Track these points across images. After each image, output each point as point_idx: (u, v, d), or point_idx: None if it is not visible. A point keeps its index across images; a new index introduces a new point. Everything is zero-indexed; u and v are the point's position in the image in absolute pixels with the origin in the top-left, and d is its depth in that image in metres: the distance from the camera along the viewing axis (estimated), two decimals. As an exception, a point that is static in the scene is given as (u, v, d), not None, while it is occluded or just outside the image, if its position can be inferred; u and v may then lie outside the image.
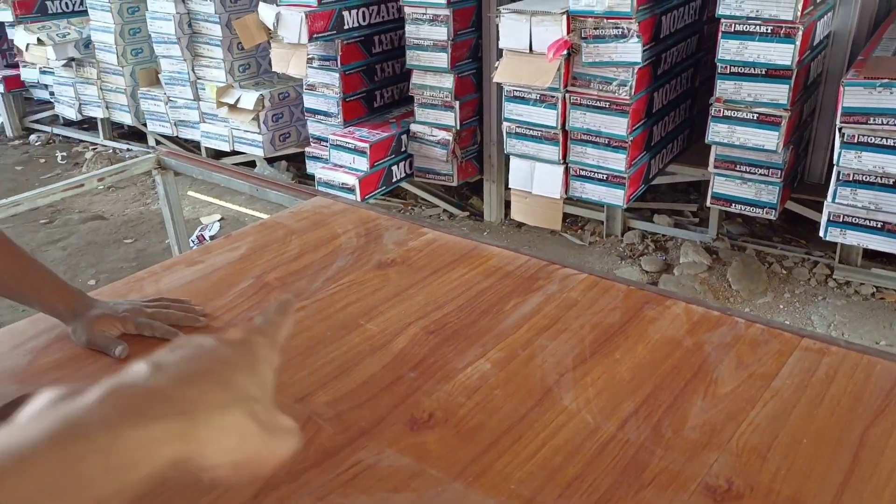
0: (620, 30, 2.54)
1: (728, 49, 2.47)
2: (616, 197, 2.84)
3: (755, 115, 2.52)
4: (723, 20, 2.45)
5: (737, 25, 2.42)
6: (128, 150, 5.06)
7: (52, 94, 5.07)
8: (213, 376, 0.48)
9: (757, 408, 0.89)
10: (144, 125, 4.72)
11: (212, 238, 3.74)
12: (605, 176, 2.83)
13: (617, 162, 2.77)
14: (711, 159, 2.69)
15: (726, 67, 2.52)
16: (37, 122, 5.66)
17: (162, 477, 0.43)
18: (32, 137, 5.58)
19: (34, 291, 1.07)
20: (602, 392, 0.93)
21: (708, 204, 2.79)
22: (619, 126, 2.69)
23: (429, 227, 1.41)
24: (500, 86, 3.43)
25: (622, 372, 0.97)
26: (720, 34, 2.49)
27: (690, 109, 3.32)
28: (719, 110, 2.57)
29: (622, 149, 2.73)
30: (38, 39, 4.60)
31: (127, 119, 4.71)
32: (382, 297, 1.18)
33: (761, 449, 0.83)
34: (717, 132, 2.59)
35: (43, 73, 5.01)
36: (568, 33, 2.62)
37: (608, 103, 2.68)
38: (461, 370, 0.99)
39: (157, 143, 4.85)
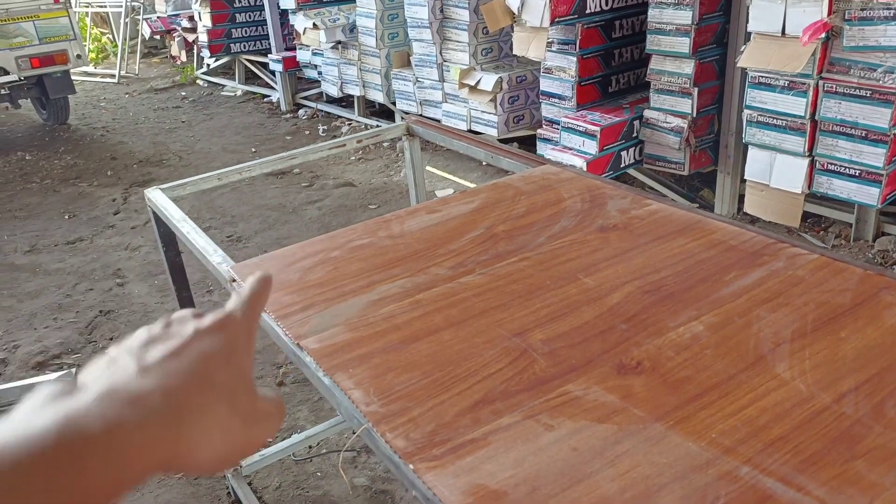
0: (893, 11, 2.31)
1: None
2: (869, 196, 2.60)
3: None
4: None
5: None
6: (377, 125, 5.55)
7: (319, 73, 5.70)
8: (196, 375, 0.47)
9: None
10: (394, 104, 5.14)
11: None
12: (858, 172, 2.60)
13: (874, 157, 2.52)
14: None
15: None
16: (305, 98, 6.40)
17: (151, 475, 0.44)
18: (301, 112, 6.32)
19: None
20: (820, 366, 0.92)
21: None
22: (880, 117, 2.45)
23: (653, 199, 1.43)
24: (745, 73, 3.27)
25: (846, 350, 0.94)
26: None
27: (975, 104, 2.90)
28: None
29: (882, 143, 2.49)
30: (314, 24, 5.19)
31: (379, 97, 5.17)
32: (602, 256, 1.23)
33: None
34: None
35: (314, 54, 5.65)
36: (829, 15, 2.44)
37: (870, 91, 2.45)
38: (673, 328, 1.02)
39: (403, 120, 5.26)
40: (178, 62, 8.34)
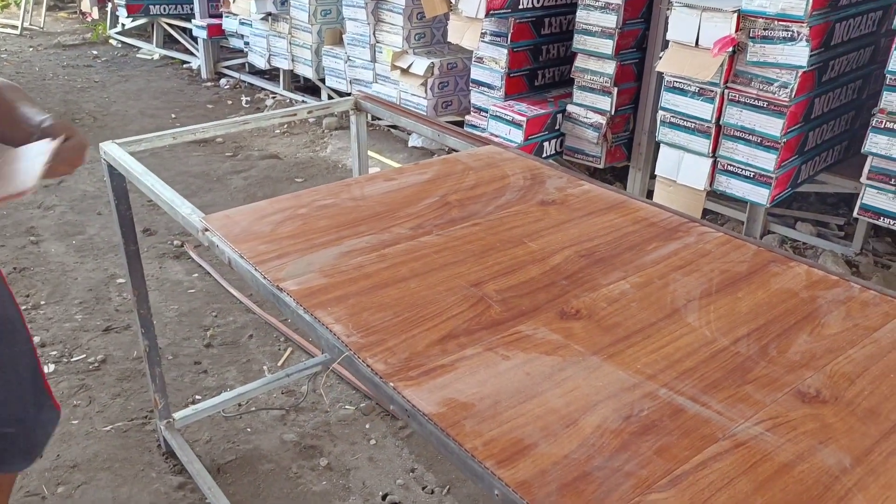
0: (790, 32, 2.61)
1: (900, 62, 2.48)
2: (760, 195, 2.92)
3: (919, 132, 2.52)
4: (899, 33, 2.46)
5: (913, 40, 2.43)
6: (303, 101, 5.57)
7: (246, 43, 5.66)
8: None
9: (856, 348, 1.05)
10: (322, 80, 5.19)
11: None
12: (752, 174, 2.91)
13: (766, 161, 2.84)
14: (865, 170, 2.70)
15: (896, 80, 2.53)
16: (228, 67, 6.31)
17: None
18: (222, 81, 6.24)
19: None
20: (722, 318, 1.13)
21: (855, 215, 2.81)
22: (773, 126, 2.76)
23: (586, 180, 1.63)
24: (660, 78, 3.55)
25: (741, 307, 1.15)
26: (894, 46, 2.50)
27: (853, 121, 3.30)
28: (881, 121, 2.59)
29: (774, 149, 2.80)
30: (245, -7, 5.15)
31: (308, 73, 5.20)
32: (543, 226, 1.41)
33: (852, 375, 1.00)
34: (875, 143, 2.61)
35: (241, 24, 5.60)
36: (736, 31, 2.72)
37: (766, 103, 2.76)
38: (605, 285, 1.21)
39: (330, 97, 5.31)
40: (90, 19, 7.99)
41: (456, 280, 1.22)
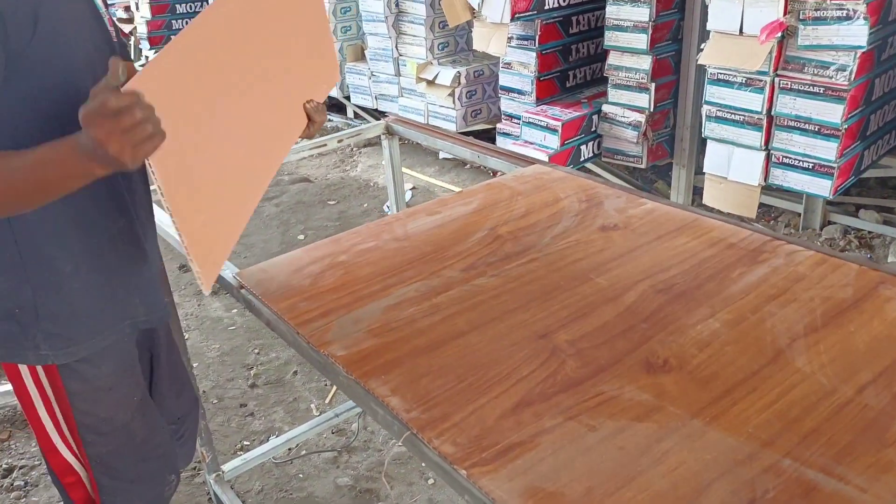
0: (845, 11, 2.42)
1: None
2: (822, 187, 2.72)
3: None
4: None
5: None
6: (329, 120, 5.48)
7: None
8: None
9: None
10: (347, 98, 5.09)
11: (407, 205, 3.99)
12: (811, 165, 2.72)
13: (826, 150, 2.65)
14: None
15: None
16: (251, 91, 6.26)
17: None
18: (247, 106, 6.19)
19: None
20: (836, 359, 0.97)
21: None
22: (832, 113, 2.57)
23: (647, 198, 1.48)
24: (699, 69, 3.37)
25: (857, 343, 1.00)
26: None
27: (914, 99, 3.08)
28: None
29: (834, 137, 2.61)
30: (262, 16, 5.09)
31: (334, 91, 5.10)
32: (609, 256, 1.27)
33: None
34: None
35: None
36: (784, 14, 2.54)
37: (823, 88, 2.57)
38: (691, 326, 1.06)
39: (356, 115, 5.22)
40: (114, 54, 8.03)
41: (520, 330, 1.08)
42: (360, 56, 4.85)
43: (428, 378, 0.99)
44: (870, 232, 3.23)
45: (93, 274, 1.13)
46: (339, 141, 2.05)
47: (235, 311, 3.26)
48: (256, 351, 2.97)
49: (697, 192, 3.43)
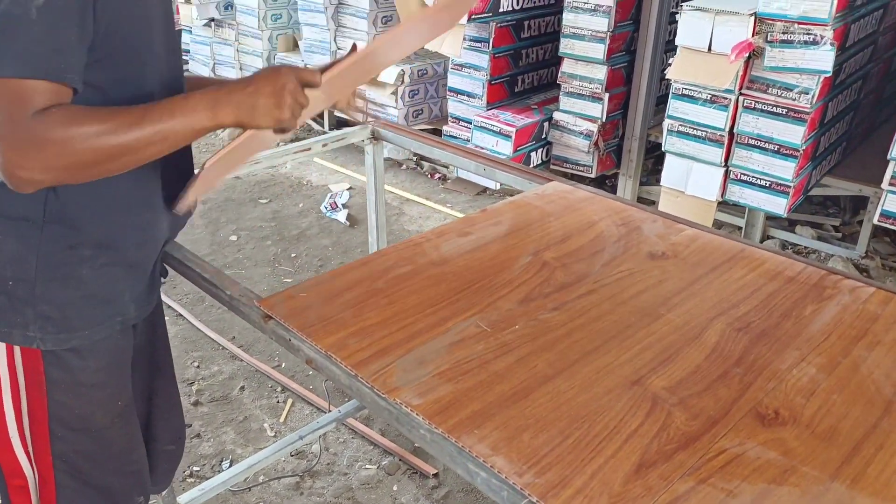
0: (812, 36, 2.49)
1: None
2: (777, 205, 2.80)
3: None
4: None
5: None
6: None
7: (187, 52, 5.22)
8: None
9: None
10: (275, 89, 4.83)
11: (344, 206, 3.83)
12: (768, 183, 2.79)
13: (784, 170, 2.72)
14: (888, 176, 2.62)
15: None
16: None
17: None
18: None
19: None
20: (946, 409, 0.94)
21: (875, 221, 2.72)
22: (794, 134, 2.64)
23: (684, 223, 1.43)
24: (650, 81, 3.41)
25: (958, 391, 0.97)
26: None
27: (851, 122, 3.23)
28: (909, 127, 2.50)
29: (793, 157, 2.69)
30: (185, -2, 4.74)
31: (260, 82, 4.83)
32: (670, 289, 1.20)
33: None
34: (903, 149, 2.53)
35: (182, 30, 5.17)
36: (753, 35, 2.58)
37: (786, 110, 2.64)
38: (786, 371, 1.01)
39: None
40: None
41: (610, 376, 0.99)
42: (293, 47, 4.62)
43: (529, 433, 0.88)
44: (805, 247, 3.37)
45: (108, 267, 1.09)
46: (324, 145, 1.88)
47: (168, 318, 2.99)
48: (196, 364, 2.73)
49: (642, 203, 3.46)
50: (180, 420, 1.49)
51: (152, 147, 0.95)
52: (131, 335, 1.22)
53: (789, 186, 2.75)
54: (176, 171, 1.17)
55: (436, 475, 2.19)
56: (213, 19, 4.85)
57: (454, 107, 3.76)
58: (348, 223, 3.71)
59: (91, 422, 1.16)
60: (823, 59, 2.49)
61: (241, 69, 4.89)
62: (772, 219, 3.43)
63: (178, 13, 1.14)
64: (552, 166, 3.72)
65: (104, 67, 0.97)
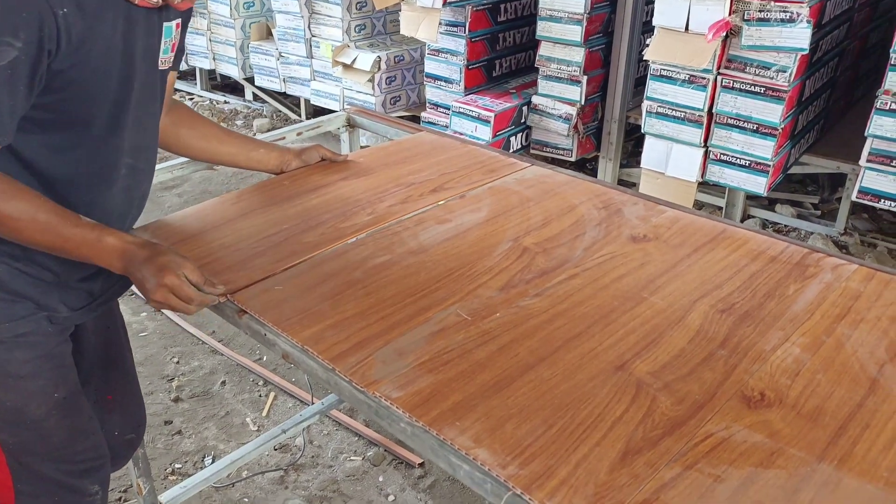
0: (789, 14, 2.48)
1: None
2: (757, 184, 2.80)
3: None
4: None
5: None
6: (225, 102, 5.11)
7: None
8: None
9: None
10: (249, 80, 4.76)
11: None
12: (748, 162, 2.79)
13: (764, 149, 2.72)
14: (865, 152, 2.62)
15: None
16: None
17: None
18: (131, 83, 5.66)
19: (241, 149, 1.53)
20: (930, 385, 0.93)
21: (854, 198, 2.73)
22: (772, 113, 2.64)
23: (666, 205, 1.41)
24: (628, 63, 3.39)
25: (943, 367, 0.97)
26: None
27: (828, 100, 3.24)
28: (886, 103, 2.50)
29: (772, 136, 2.68)
30: (154, -14, 4.64)
31: (234, 72, 4.75)
32: (653, 272, 1.18)
33: None
34: (879, 125, 2.52)
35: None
36: (730, 14, 2.57)
37: (764, 88, 2.63)
38: (771, 352, 1.00)
39: (255, 97, 4.90)
40: None
41: (593, 362, 0.97)
42: (266, 35, 4.54)
43: (512, 423, 0.86)
44: (786, 226, 3.38)
45: (22, 272, 1.11)
46: (298, 134, 1.85)
47: (145, 314, 2.94)
48: (175, 360, 2.69)
49: (622, 185, 3.45)
50: (140, 409, 1.54)
51: (42, 247, 1.06)
52: (69, 330, 1.23)
53: (769, 165, 2.75)
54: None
55: (422, 465, 2.17)
56: (184, 8, 4.75)
57: (432, 93, 3.72)
58: (328, 213, 3.66)
59: (24, 414, 1.17)
60: (800, 36, 2.48)
61: (213, 59, 4.81)
62: (752, 198, 3.44)
63: (172, 51, 1.14)
64: (532, 150, 3.69)
65: (50, 109, 1.01)
